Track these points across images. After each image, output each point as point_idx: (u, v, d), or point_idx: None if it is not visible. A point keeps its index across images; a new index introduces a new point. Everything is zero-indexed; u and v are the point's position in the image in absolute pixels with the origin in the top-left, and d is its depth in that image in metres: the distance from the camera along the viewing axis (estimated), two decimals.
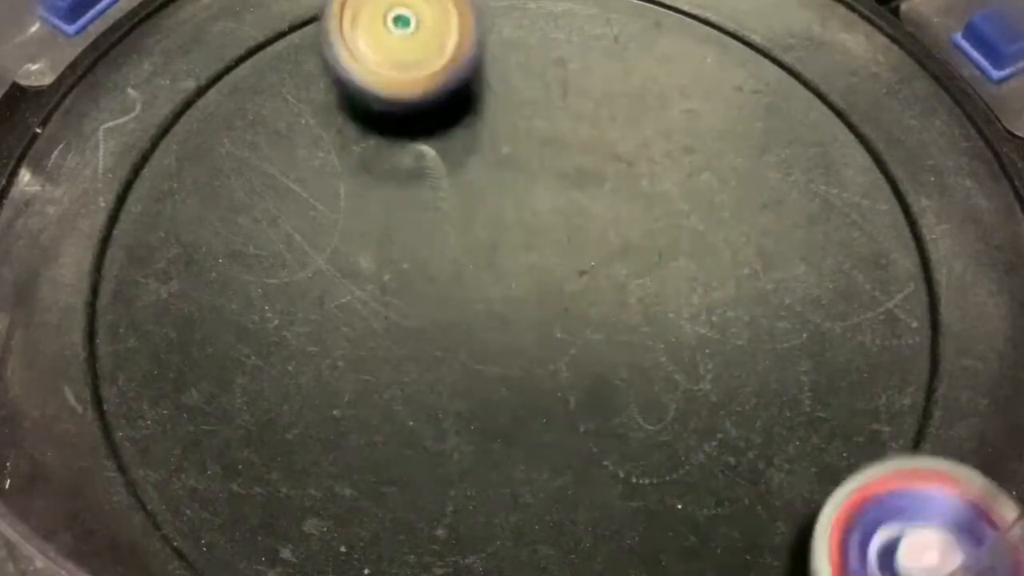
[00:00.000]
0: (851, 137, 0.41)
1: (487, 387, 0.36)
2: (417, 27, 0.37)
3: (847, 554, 0.29)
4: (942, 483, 0.29)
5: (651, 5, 0.44)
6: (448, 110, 0.41)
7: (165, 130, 0.41)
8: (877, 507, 0.29)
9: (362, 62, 0.37)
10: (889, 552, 0.29)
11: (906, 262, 0.39)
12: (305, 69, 0.42)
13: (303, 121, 0.41)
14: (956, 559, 0.28)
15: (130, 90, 0.41)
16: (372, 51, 0.37)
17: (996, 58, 0.42)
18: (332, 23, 0.37)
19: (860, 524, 0.29)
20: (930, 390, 0.36)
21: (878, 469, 0.30)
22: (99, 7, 0.43)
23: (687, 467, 0.35)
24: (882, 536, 0.29)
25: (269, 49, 0.43)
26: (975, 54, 0.42)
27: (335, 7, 0.37)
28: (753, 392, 0.36)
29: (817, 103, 0.42)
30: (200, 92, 0.42)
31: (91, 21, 0.43)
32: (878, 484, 0.29)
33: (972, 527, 0.28)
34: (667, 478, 0.35)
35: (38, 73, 0.42)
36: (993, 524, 0.28)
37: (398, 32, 0.37)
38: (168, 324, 0.37)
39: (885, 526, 0.29)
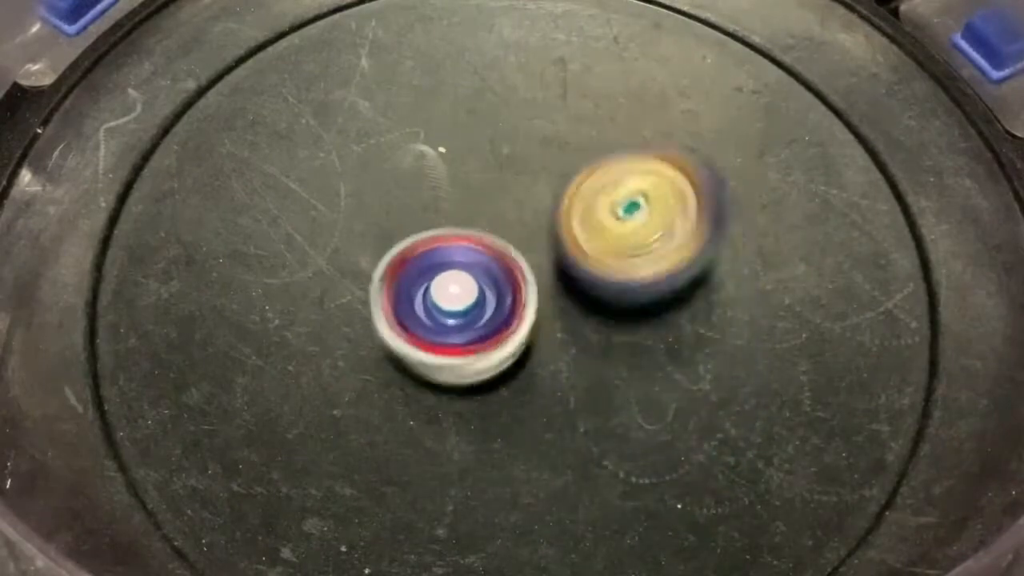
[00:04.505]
0: (851, 137, 0.41)
1: (487, 387, 0.36)
2: (649, 212, 0.35)
3: (397, 304, 0.35)
4: (467, 242, 0.36)
5: (651, 5, 0.44)
6: (448, 113, 0.41)
7: (166, 130, 0.41)
8: (414, 266, 0.35)
9: (591, 255, 0.35)
10: (428, 294, 0.35)
11: (906, 262, 0.39)
12: (305, 69, 0.42)
13: (303, 121, 0.41)
14: (473, 288, 0.34)
15: (131, 90, 0.42)
16: (599, 245, 0.35)
17: (995, 58, 0.42)
18: (562, 219, 0.36)
19: (403, 280, 0.35)
20: (929, 390, 0.36)
21: (411, 239, 0.36)
22: (99, 7, 0.43)
23: (687, 467, 0.35)
24: (421, 285, 0.35)
25: (269, 49, 0.43)
26: (974, 54, 0.42)
27: (564, 205, 0.36)
28: (753, 392, 0.36)
29: (817, 103, 0.42)
30: (201, 92, 0.42)
31: (92, 21, 0.43)
32: (412, 248, 0.35)
33: (485, 265, 0.35)
34: (667, 478, 0.35)
35: (39, 73, 0.42)
36: (505, 267, 0.35)
37: (628, 220, 0.35)
38: (169, 324, 0.37)
39: (422, 277, 0.35)
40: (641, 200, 0.35)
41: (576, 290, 0.37)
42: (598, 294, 0.37)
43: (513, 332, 0.34)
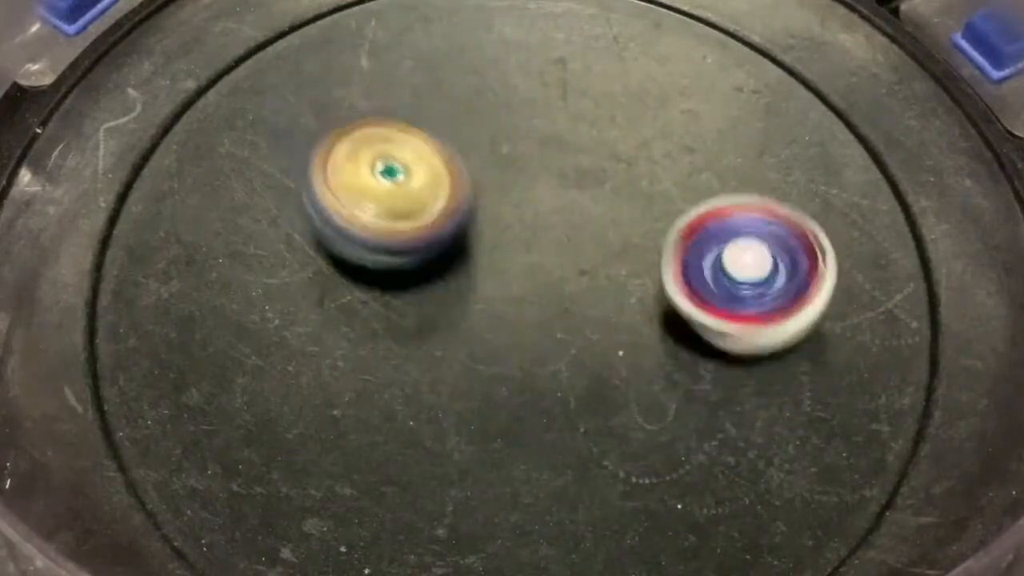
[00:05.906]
0: (851, 137, 0.41)
1: (487, 387, 0.36)
2: (406, 180, 0.36)
3: (687, 271, 0.35)
4: (759, 211, 0.35)
5: (651, 5, 0.44)
6: (448, 113, 0.41)
7: (165, 130, 0.41)
8: (706, 232, 0.35)
9: (345, 207, 0.35)
10: (720, 263, 0.35)
11: (906, 262, 0.39)
12: (305, 69, 0.42)
13: (303, 121, 0.41)
14: (768, 261, 0.34)
15: (130, 90, 0.42)
16: (357, 197, 0.35)
17: (996, 58, 0.42)
18: (316, 165, 0.36)
19: (695, 247, 0.35)
20: (930, 390, 0.36)
21: (706, 204, 0.36)
22: (99, 7, 0.43)
23: (687, 467, 0.35)
24: (714, 252, 0.35)
25: (269, 49, 0.43)
26: (975, 54, 0.42)
27: (320, 152, 0.36)
28: (753, 392, 0.36)
29: (817, 103, 0.42)
30: (200, 92, 0.42)
31: (91, 21, 0.43)
32: (707, 215, 0.35)
33: (781, 238, 0.35)
34: (667, 478, 0.35)
35: (38, 73, 0.42)
36: (799, 236, 0.35)
37: (385, 182, 0.36)
38: (168, 324, 0.37)
39: (716, 244, 0.35)
40: (399, 166, 0.36)
41: (328, 246, 0.37)
42: (344, 249, 0.36)
43: (810, 302, 0.34)
